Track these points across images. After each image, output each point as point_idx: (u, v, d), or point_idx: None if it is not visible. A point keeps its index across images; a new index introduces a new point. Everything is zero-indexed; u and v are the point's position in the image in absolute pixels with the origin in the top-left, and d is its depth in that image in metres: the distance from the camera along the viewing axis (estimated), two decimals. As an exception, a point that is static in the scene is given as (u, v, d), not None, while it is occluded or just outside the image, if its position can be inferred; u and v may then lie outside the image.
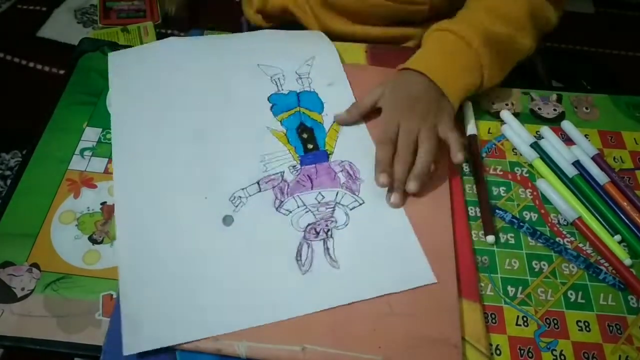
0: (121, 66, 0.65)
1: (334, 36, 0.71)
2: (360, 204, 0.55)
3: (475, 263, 0.52)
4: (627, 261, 0.53)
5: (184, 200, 0.54)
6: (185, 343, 0.45)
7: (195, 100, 0.62)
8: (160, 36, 1.42)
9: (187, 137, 0.59)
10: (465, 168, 0.60)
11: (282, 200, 0.55)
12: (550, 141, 0.62)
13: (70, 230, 0.53)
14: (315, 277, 0.50)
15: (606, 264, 0.53)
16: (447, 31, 0.61)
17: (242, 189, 0.55)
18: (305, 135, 0.60)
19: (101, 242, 0.52)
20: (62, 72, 1.38)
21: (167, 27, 1.46)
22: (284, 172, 0.57)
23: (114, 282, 0.50)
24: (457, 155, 0.55)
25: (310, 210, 0.54)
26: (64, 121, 0.61)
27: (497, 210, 0.56)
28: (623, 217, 0.56)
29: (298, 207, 0.54)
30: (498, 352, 0.48)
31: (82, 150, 0.59)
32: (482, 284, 0.52)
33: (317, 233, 0.53)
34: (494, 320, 0.49)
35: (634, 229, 0.55)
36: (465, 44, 0.60)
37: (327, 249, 0.51)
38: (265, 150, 0.58)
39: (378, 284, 0.49)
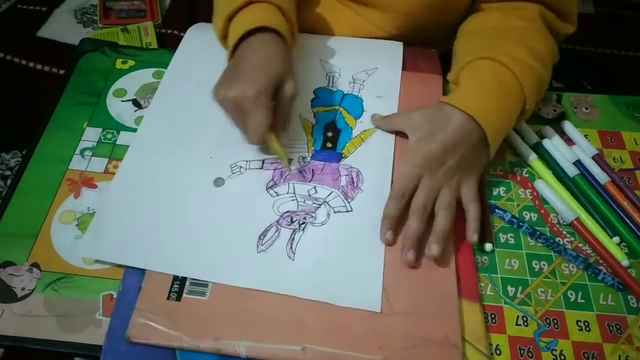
0: (194, 41, 0.69)
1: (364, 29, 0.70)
2: (347, 211, 0.54)
3: (475, 263, 0.52)
4: (625, 262, 0.53)
5: (191, 153, 0.58)
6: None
7: None
8: (160, 36, 1.42)
9: (215, 112, 0.57)
10: (465, 168, 0.60)
11: (277, 183, 0.56)
12: (553, 141, 0.62)
13: (71, 230, 0.53)
14: (267, 259, 0.51)
15: (605, 264, 0.53)
16: (502, 65, 0.56)
17: (246, 161, 0.57)
18: (330, 134, 0.60)
19: (101, 242, 0.52)
20: (62, 72, 1.37)
21: (167, 27, 1.46)
22: (292, 160, 0.58)
23: (114, 282, 0.50)
24: (473, 237, 0.52)
25: (296, 199, 0.55)
26: (64, 121, 0.61)
27: (496, 210, 0.56)
28: (623, 216, 0.56)
29: (287, 193, 0.55)
30: (498, 352, 0.48)
31: (83, 150, 0.59)
32: (482, 284, 0.52)
33: (292, 222, 0.53)
34: (494, 320, 0.49)
35: (634, 228, 0.55)
36: (520, 86, 0.56)
37: (291, 240, 0.52)
38: (286, 135, 0.59)
39: (323, 290, 0.49)
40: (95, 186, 0.56)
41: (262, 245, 0.52)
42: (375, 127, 0.61)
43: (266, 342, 0.46)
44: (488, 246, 0.53)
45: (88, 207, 0.54)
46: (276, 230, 0.53)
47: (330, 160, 0.58)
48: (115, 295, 0.49)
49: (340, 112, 0.62)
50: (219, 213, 0.54)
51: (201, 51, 0.67)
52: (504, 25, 0.62)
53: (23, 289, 0.49)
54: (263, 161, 0.57)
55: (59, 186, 0.56)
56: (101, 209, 0.53)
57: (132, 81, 0.66)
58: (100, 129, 0.61)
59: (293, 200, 0.55)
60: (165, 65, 0.66)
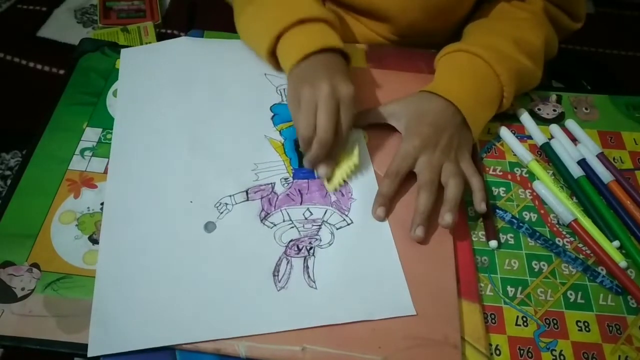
0: (132, 63, 0.66)
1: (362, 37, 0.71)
2: (348, 224, 0.54)
3: (475, 263, 0.52)
4: (623, 263, 0.53)
5: (170, 202, 0.54)
6: (147, 349, 0.45)
7: (197, 103, 0.62)
8: (160, 36, 1.42)
9: (184, 140, 0.58)
10: (465, 168, 0.60)
11: (269, 212, 0.54)
12: (560, 140, 0.62)
13: (71, 230, 0.53)
14: (291, 295, 0.49)
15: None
16: (476, 57, 0.59)
17: (230, 196, 0.54)
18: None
19: (101, 242, 0.52)
20: (62, 72, 1.38)
21: (167, 27, 1.46)
22: (274, 183, 0.56)
23: (114, 282, 0.50)
24: (481, 205, 0.53)
25: (295, 225, 0.53)
26: (64, 121, 0.61)
27: (497, 210, 0.56)
28: (626, 218, 0.56)
29: (284, 221, 0.53)
30: (498, 352, 0.48)
31: (82, 150, 0.59)
32: (482, 284, 0.52)
33: (299, 250, 0.51)
34: (493, 321, 0.49)
35: (635, 230, 0.55)
36: (495, 74, 0.58)
37: (306, 267, 0.50)
38: (259, 159, 0.57)
39: (355, 309, 0.48)
40: (95, 186, 0.56)
41: (279, 282, 0.49)
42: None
43: (266, 342, 0.46)
44: (493, 243, 0.53)
45: (88, 207, 0.54)
46: (287, 263, 0.50)
47: (312, 177, 0.57)
48: (115, 296, 0.49)
49: None
50: (223, 261, 0.50)
51: (144, 79, 0.64)
52: (502, 16, 0.64)
53: (23, 289, 0.49)
54: (247, 192, 0.55)
55: (58, 186, 0.56)
56: (98, 295, 0.48)
57: (132, 81, 0.65)
58: (100, 129, 0.61)
59: (292, 227, 0.53)
60: (165, 66, 0.66)
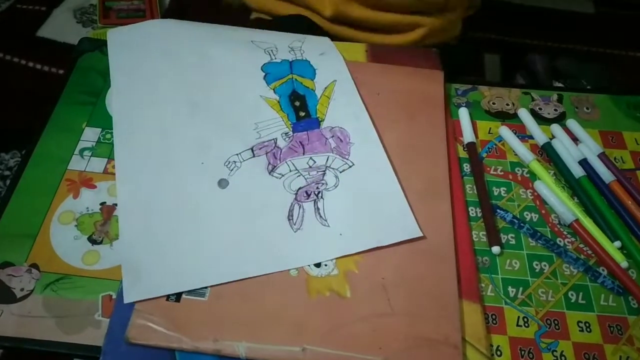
0: (120, 43, 0.67)
1: (345, 20, 0.72)
2: (350, 167, 0.57)
3: (475, 263, 0.52)
4: (624, 264, 0.53)
5: (183, 166, 0.56)
6: (184, 291, 0.48)
7: (191, 73, 0.64)
8: (159, 36, 1.42)
9: (183, 111, 0.60)
10: (466, 168, 0.60)
11: (275, 165, 0.57)
12: (561, 139, 0.62)
13: (70, 230, 0.53)
14: (306, 233, 0.52)
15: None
16: None
17: (237, 154, 0.57)
18: (297, 103, 0.62)
19: (101, 243, 0.52)
20: (61, 71, 1.37)
21: (167, 27, 1.45)
22: (276, 139, 0.59)
23: (114, 282, 0.49)
24: None
25: (301, 174, 0.56)
26: (64, 121, 0.61)
27: (498, 210, 0.56)
28: (627, 219, 0.56)
29: (290, 171, 0.56)
30: (499, 352, 0.48)
31: (82, 150, 0.59)
32: (483, 285, 0.51)
33: (308, 195, 0.55)
34: (494, 321, 0.49)
35: (636, 230, 0.55)
36: None
37: (317, 209, 0.53)
38: (258, 118, 0.60)
39: (366, 238, 0.52)
40: (94, 186, 0.56)
41: (295, 224, 0.53)
42: None
43: (266, 343, 0.46)
44: (495, 249, 0.53)
45: (87, 208, 0.54)
46: (299, 207, 0.54)
47: (310, 128, 0.60)
48: (114, 296, 0.49)
49: (295, 79, 0.64)
50: (240, 212, 0.54)
51: (134, 55, 0.66)
52: None
53: (22, 289, 0.49)
54: (252, 149, 0.58)
55: (58, 186, 0.56)
56: (124, 245, 0.51)
57: (132, 81, 0.65)
58: (100, 129, 0.61)
59: (299, 176, 0.56)
60: (165, 65, 0.67)
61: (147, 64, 0.65)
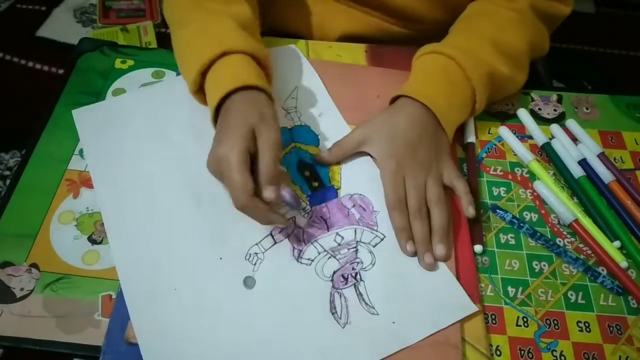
0: (88, 123, 0.60)
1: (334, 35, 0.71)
2: (382, 239, 0.52)
3: (475, 263, 0.52)
4: (623, 264, 0.53)
5: (200, 266, 0.50)
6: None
7: (178, 151, 0.57)
8: (159, 36, 1.42)
9: (181, 197, 0.54)
10: (466, 168, 0.60)
11: (301, 249, 0.51)
12: (560, 139, 0.62)
13: (70, 230, 0.53)
14: (356, 328, 0.47)
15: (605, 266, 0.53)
16: (450, 59, 0.57)
17: (256, 244, 0.51)
18: (307, 173, 0.57)
19: (100, 243, 0.52)
20: (61, 71, 1.37)
21: (167, 27, 1.45)
22: (295, 217, 0.53)
23: (113, 282, 0.49)
24: (469, 210, 0.53)
25: (332, 255, 0.51)
26: (63, 121, 0.61)
27: (497, 210, 0.56)
28: (627, 218, 0.56)
29: (319, 253, 0.51)
30: (498, 352, 0.48)
31: (82, 150, 0.59)
32: (483, 285, 0.51)
33: (346, 279, 0.49)
34: (494, 321, 0.49)
35: (635, 230, 0.55)
36: (466, 78, 0.57)
37: (360, 295, 0.48)
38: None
39: (423, 323, 0.47)
40: (94, 187, 0.56)
41: (341, 318, 0.47)
42: (328, 164, 0.57)
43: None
44: (477, 248, 0.53)
45: (87, 207, 0.54)
46: (340, 296, 0.49)
47: (327, 199, 0.55)
48: (114, 296, 0.49)
49: (299, 147, 0.59)
50: (273, 313, 0.47)
51: (107, 135, 0.59)
52: (486, 15, 0.63)
53: (22, 289, 0.49)
54: (271, 234, 0.52)
55: (58, 186, 0.56)
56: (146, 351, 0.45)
57: (131, 81, 0.65)
58: (100, 129, 0.61)
59: (330, 257, 0.51)
60: (165, 66, 0.66)
61: (126, 144, 0.57)
